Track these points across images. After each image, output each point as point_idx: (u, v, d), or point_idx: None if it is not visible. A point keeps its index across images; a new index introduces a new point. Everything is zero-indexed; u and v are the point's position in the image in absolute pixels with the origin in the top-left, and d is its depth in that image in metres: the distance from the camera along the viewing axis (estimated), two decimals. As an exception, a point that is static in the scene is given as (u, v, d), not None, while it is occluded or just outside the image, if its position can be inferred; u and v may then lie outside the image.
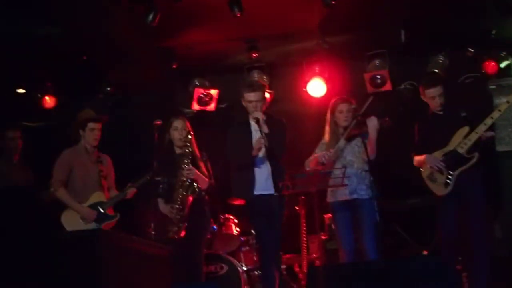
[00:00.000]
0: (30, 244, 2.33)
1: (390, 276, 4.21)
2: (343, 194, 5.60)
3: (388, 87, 7.60)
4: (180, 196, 5.60)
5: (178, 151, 5.81)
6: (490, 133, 5.56)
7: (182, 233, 5.56)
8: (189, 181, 5.61)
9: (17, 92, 7.29)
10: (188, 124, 5.86)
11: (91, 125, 5.94)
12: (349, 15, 6.73)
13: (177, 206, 5.58)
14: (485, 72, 7.47)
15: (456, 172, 5.58)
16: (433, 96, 5.74)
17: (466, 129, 5.59)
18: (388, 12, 6.82)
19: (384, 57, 7.57)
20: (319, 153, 5.61)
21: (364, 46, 7.56)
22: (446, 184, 5.63)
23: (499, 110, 5.48)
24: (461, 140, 5.59)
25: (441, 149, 5.69)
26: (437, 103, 5.73)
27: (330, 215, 6.03)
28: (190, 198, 5.61)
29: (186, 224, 5.57)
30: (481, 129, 5.51)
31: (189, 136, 5.69)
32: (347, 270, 4.63)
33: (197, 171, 5.66)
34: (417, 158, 5.85)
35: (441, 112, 5.77)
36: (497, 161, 6.98)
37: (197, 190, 5.64)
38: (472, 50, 7.46)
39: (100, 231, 2.32)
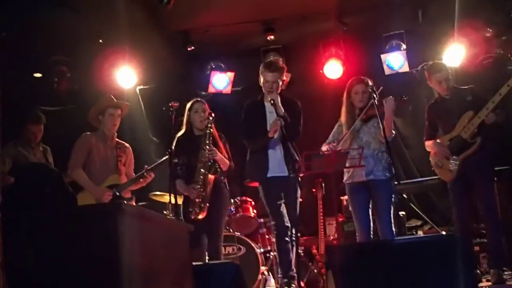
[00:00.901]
0: (50, 217, 2.33)
1: (407, 254, 4.19)
2: (359, 175, 5.59)
3: (405, 68, 7.54)
4: (202, 177, 5.60)
5: (197, 133, 5.80)
6: (492, 117, 5.48)
7: (204, 214, 5.56)
8: (211, 161, 5.62)
9: (34, 76, 7.30)
10: (207, 107, 5.87)
11: (110, 110, 5.97)
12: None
13: (198, 186, 5.59)
14: (504, 53, 7.38)
15: (460, 157, 5.58)
16: (439, 81, 5.72)
17: (470, 113, 5.57)
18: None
19: (402, 38, 7.51)
20: (326, 146, 5.60)
21: (381, 27, 7.50)
22: (452, 170, 5.65)
23: (500, 94, 5.40)
24: (465, 125, 5.57)
25: (448, 134, 5.71)
26: (444, 88, 5.72)
27: (347, 197, 6.00)
28: (212, 178, 5.63)
29: (208, 205, 5.58)
30: (483, 113, 5.47)
31: (210, 118, 5.69)
32: (364, 248, 4.62)
33: (218, 152, 5.67)
34: (427, 144, 5.90)
35: (448, 97, 5.75)
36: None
37: (219, 170, 5.66)
38: (491, 30, 7.37)
39: (120, 204, 2.30)
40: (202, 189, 5.58)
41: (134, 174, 6.13)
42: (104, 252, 2.24)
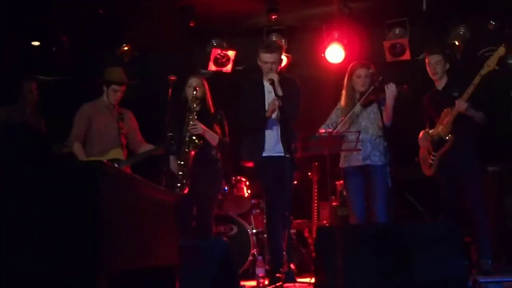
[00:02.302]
0: (26, 174, 2.28)
1: (398, 238, 4.21)
2: (356, 160, 5.58)
3: (407, 56, 7.50)
4: (183, 152, 5.57)
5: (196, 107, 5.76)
6: (462, 104, 5.45)
7: (185, 190, 5.50)
8: (190, 136, 5.55)
9: (32, 44, 7.22)
10: (204, 82, 5.83)
11: (115, 87, 5.90)
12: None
13: (180, 162, 5.56)
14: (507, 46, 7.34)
15: (438, 154, 5.61)
16: (430, 63, 5.76)
17: (449, 110, 5.59)
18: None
19: (405, 26, 7.46)
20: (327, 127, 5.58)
21: (385, 13, 7.45)
22: (431, 165, 5.73)
23: (473, 84, 5.40)
24: (443, 121, 5.60)
25: (435, 128, 5.75)
26: (433, 71, 5.74)
27: (342, 181, 6.00)
28: (192, 153, 5.57)
29: (189, 181, 5.52)
30: (455, 111, 5.50)
31: (195, 92, 5.63)
32: (355, 231, 4.63)
33: (203, 127, 5.61)
34: (419, 135, 5.95)
35: (440, 89, 5.78)
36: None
37: (199, 144, 5.56)
38: (494, 23, 7.33)
39: (102, 164, 2.25)
40: (183, 164, 5.54)
41: (140, 138, 6.08)
42: (83, 216, 2.19)
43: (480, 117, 5.52)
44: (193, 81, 5.78)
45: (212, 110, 5.83)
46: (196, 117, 5.60)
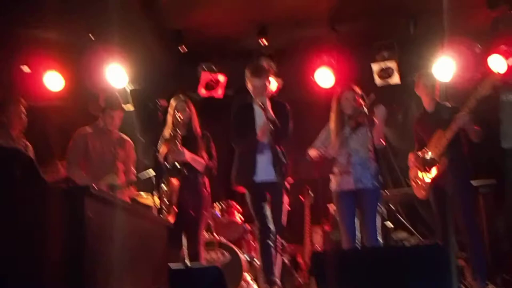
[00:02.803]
0: (14, 195, 2.25)
1: (391, 261, 4.17)
2: (347, 183, 5.56)
3: (396, 79, 7.53)
4: (167, 180, 5.51)
5: (182, 132, 5.73)
6: (463, 117, 5.46)
7: (171, 216, 5.43)
8: (173, 164, 5.49)
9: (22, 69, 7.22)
10: (190, 105, 5.80)
11: (111, 112, 5.88)
12: (358, 4, 6.67)
13: (165, 189, 5.50)
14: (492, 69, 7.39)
15: (429, 176, 5.60)
16: (426, 86, 5.81)
17: (440, 132, 5.62)
18: (397, 3, 6.77)
19: (393, 48, 7.49)
20: (317, 148, 5.57)
21: (373, 36, 7.49)
22: (423, 187, 5.75)
23: (468, 107, 5.42)
24: (435, 144, 5.59)
25: (426, 150, 5.76)
26: (428, 93, 5.76)
27: (333, 205, 5.97)
28: (175, 182, 5.51)
29: (175, 208, 5.45)
30: (449, 134, 5.50)
31: (178, 118, 5.58)
32: (349, 255, 4.59)
33: (188, 153, 5.56)
34: (410, 157, 5.95)
35: (430, 111, 5.81)
36: (503, 158, 6.94)
37: (183, 172, 5.50)
38: (480, 46, 7.38)
39: (88, 187, 2.22)
40: (168, 193, 5.47)
41: (133, 169, 6.04)
42: (69, 237, 2.15)
43: (477, 131, 5.52)
44: (178, 104, 5.75)
45: (199, 132, 5.79)
46: (180, 142, 5.54)
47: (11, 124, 5.88)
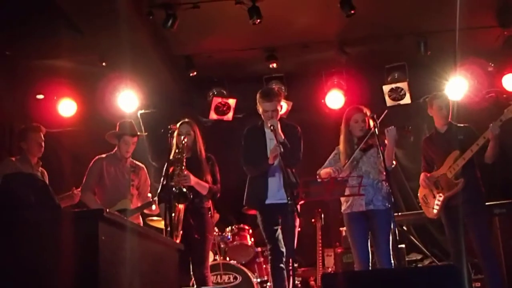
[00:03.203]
0: (30, 221, 2.29)
1: (404, 283, 4.12)
2: (358, 205, 5.53)
3: (407, 100, 7.54)
4: (173, 205, 5.45)
5: (187, 155, 5.71)
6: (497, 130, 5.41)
7: (177, 240, 5.33)
8: (179, 189, 5.44)
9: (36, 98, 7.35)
10: (195, 129, 5.82)
11: (126, 138, 6.07)
12: (368, 26, 6.71)
13: (171, 214, 5.46)
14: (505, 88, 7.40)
15: (444, 197, 5.59)
16: (440, 107, 5.75)
17: (457, 153, 5.60)
18: (407, 24, 6.80)
19: (404, 70, 7.52)
20: (329, 169, 5.57)
21: (383, 58, 7.52)
22: (435, 208, 5.70)
23: (484, 138, 5.43)
24: (451, 164, 5.58)
25: (438, 170, 5.72)
26: (443, 115, 5.73)
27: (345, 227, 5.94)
28: (179, 207, 5.48)
29: (181, 233, 5.44)
30: (468, 155, 5.51)
31: (184, 142, 5.59)
32: (361, 277, 4.55)
33: (193, 178, 5.57)
34: (421, 177, 5.92)
35: (443, 132, 5.78)
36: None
37: (189, 197, 5.45)
38: (492, 65, 7.39)
39: (102, 210, 2.26)
40: (174, 216, 5.42)
41: (149, 194, 6.16)
42: (83, 260, 2.18)
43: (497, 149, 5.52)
44: (182, 128, 5.78)
45: (203, 156, 5.80)
46: (184, 167, 5.55)
47: (30, 150, 6.00)
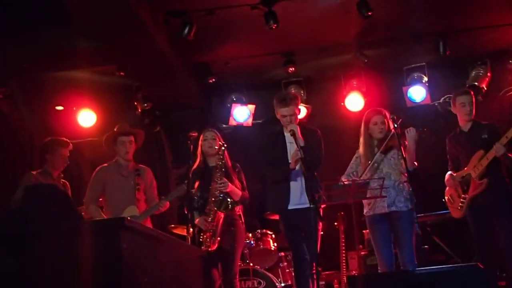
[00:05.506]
0: (52, 232, 2.30)
1: (428, 284, 4.09)
2: (381, 207, 5.50)
3: (427, 100, 7.48)
4: (212, 211, 5.52)
5: (210, 163, 5.75)
6: (501, 149, 5.42)
7: (214, 246, 5.46)
8: (222, 195, 5.52)
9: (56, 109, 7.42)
10: (219, 136, 5.83)
11: (121, 138, 5.94)
12: (385, 28, 6.68)
13: (209, 219, 5.51)
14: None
15: (469, 196, 5.55)
16: (463, 103, 5.69)
17: (481, 152, 5.56)
18: (426, 24, 6.76)
19: (423, 71, 7.47)
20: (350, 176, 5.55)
21: (402, 59, 7.48)
22: (460, 208, 5.66)
23: (507, 137, 5.38)
24: (475, 164, 5.53)
25: (463, 169, 5.68)
26: (466, 111, 5.67)
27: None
28: (221, 215, 5.53)
29: (219, 238, 5.50)
30: (491, 154, 5.44)
31: (223, 148, 5.64)
32: (386, 279, 4.52)
33: (230, 184, 5.61)
34: (446, 176, 5.88)
35: (466, 130, 5.73)
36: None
37: (230, 206, 5.51)
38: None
39: (123, 219, 2.27)
40: (213, 223, 5.49)
41: (156, 196, 6.06)
42: (106, 269, 2.19)
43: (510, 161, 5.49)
44: (207, 134, 5.79)
45: (229, 163, 5.81)
46: (222, 173, 5.57)
47: (54, 164, 6.03)
